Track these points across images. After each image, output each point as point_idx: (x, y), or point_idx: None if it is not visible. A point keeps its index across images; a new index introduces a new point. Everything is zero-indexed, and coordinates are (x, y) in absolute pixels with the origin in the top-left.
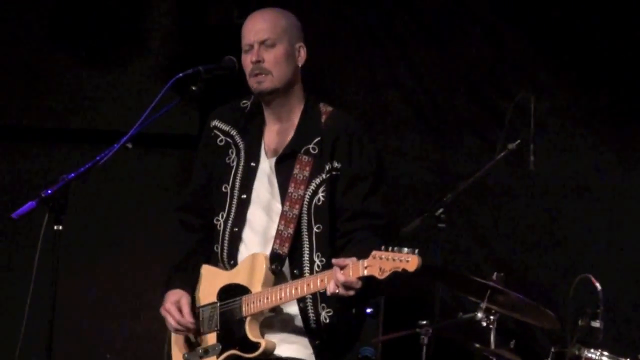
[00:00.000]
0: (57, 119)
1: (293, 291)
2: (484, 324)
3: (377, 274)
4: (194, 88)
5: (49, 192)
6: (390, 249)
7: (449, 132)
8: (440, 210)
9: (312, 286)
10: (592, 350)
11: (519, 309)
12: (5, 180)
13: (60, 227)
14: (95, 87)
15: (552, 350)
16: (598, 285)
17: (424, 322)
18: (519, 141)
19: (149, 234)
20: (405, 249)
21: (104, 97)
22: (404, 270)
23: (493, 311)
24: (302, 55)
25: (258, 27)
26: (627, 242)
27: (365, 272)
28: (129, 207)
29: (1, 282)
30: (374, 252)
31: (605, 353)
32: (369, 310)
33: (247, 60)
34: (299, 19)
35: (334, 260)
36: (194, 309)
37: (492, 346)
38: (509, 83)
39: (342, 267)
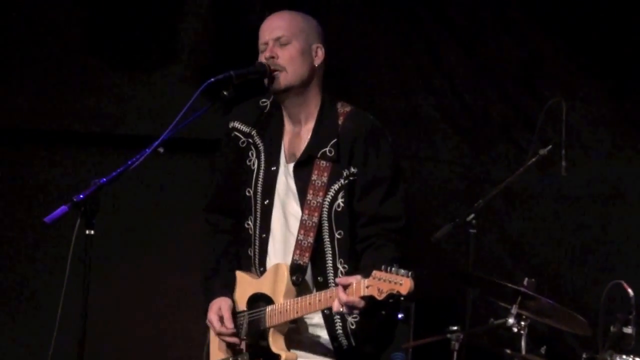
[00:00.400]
0: (90, 123)
1: (307, 305)
2: (515, 329)
3: (376, 294)
4: (225, 93)
5: (81, 196)
6: (389, 269)
7: (481, 137)
8: (472, 216)
9: (322, 302)
10: (624, 357)
11: (550, 314)
12: (38, 184)
13: (92, 232)
14: (127, 91)
15: (584, 356)
16: (630, 291)
17: (455, 327)
18: (550, 146)
19: (180, 237)
20: (402, 271)
21: (136, 102)
22: (398, 293)
23: (524, 317)
24: (319, 55)
25: (273, 25)
26: None
27: (366, 292)
28: (159, 211)
29: (34, 286)
30: (374, 272)
31: (638, 359)
32: (400, 316)
33: (262, 58)
34: (330, 24)
35: (337, 280)
36: (234, 313)
37: (523, 352)
38: (541, 88)
39: (345, 287)
